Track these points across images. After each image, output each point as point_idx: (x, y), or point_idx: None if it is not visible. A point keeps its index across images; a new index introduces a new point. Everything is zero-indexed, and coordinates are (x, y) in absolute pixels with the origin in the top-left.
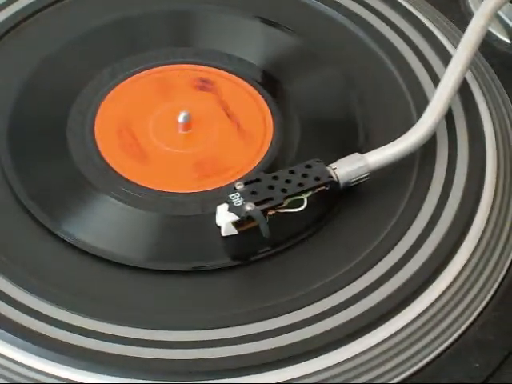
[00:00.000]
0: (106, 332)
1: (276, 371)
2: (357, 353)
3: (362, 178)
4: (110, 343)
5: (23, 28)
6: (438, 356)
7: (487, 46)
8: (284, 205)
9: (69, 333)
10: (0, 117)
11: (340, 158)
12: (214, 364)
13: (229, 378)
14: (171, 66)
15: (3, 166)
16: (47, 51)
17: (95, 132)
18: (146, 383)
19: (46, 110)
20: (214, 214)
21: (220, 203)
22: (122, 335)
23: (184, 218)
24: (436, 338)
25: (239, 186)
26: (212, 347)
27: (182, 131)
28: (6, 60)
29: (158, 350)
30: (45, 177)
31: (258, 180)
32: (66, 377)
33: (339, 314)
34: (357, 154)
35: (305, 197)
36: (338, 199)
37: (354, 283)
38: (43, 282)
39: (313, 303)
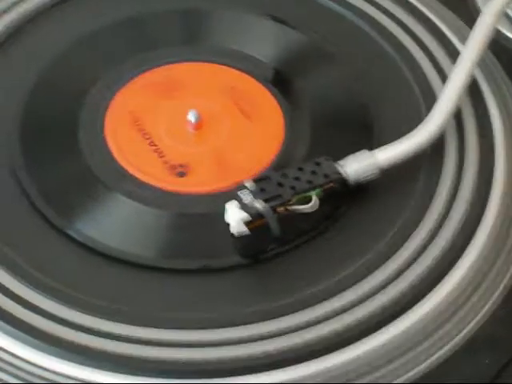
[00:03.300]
0: (115, 332)
1: (287, 369)
2: (363, 352)
3: (372, 175)
4: (120, 342)
5: (33, 26)
6: (449, 352)
7: (496, 43)
8: (293, 202)
9: (79, 332)
10: (11, 116)
11: (349, 155)
12: (226, 363)
13: (239, 376)
14: (181, 64)
15: (14, 165)
16: (57, 49)
17: (106, 130)
18: (158, 383)
19: (57, 108)
20: (223, 212)
21: (229, 201)
22: (133, 335)
23: (194, 216)
24: (446, 335)
25: (248, 184)
26: (223, 346)
27: (193, 130)
28: (16, 59)
29: (168, 349)
30: (56, 176)
31: (267, 177)
32: (79, 376)
33: (350, 311)
34: (366, 151)
35: (314, 194)
36: (347, 196)
37: (365, 281)
38: (54, 280)
39: (323, 301)
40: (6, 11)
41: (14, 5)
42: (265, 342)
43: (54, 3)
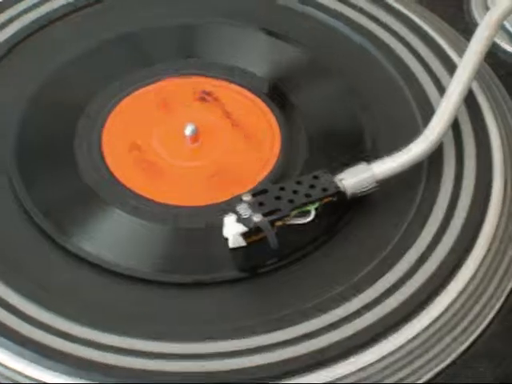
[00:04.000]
0: (112, 344)
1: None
2: (365, 364)
3: (370, 189)
4: (117, 355)
5: (30, 42)
6: (449, 365)
7: (493, 56)
8: (291, 216)
9: (76, 345)
10: (8, 132)
11: (347, 168)
12: (223, 376)
13: None
14: (177, 79)
15: (12, 180)
16: (53, 66)
17: (103, 145)
18: None
19: (54, 124)
20: (221, 226)
21: (227, 215)
22: (128, 347)
23: (191, 230)
24: (446, 347)
25: (246, 198)
26: (220, 359)
27: (190, 144)
28: (12, 75)
29: (165, 362)
30: (53, 191)
31: (265, 191)
32: None
33: (347, 325)
34: (364, 165)
35: (312, 208)
36: (345, 210)
37: (363, 294)
38: (52, 294)
39: (321, 315)
40: (2, 27)
41: (14, 19)
42: (267, 353)
43: (45, 23)
